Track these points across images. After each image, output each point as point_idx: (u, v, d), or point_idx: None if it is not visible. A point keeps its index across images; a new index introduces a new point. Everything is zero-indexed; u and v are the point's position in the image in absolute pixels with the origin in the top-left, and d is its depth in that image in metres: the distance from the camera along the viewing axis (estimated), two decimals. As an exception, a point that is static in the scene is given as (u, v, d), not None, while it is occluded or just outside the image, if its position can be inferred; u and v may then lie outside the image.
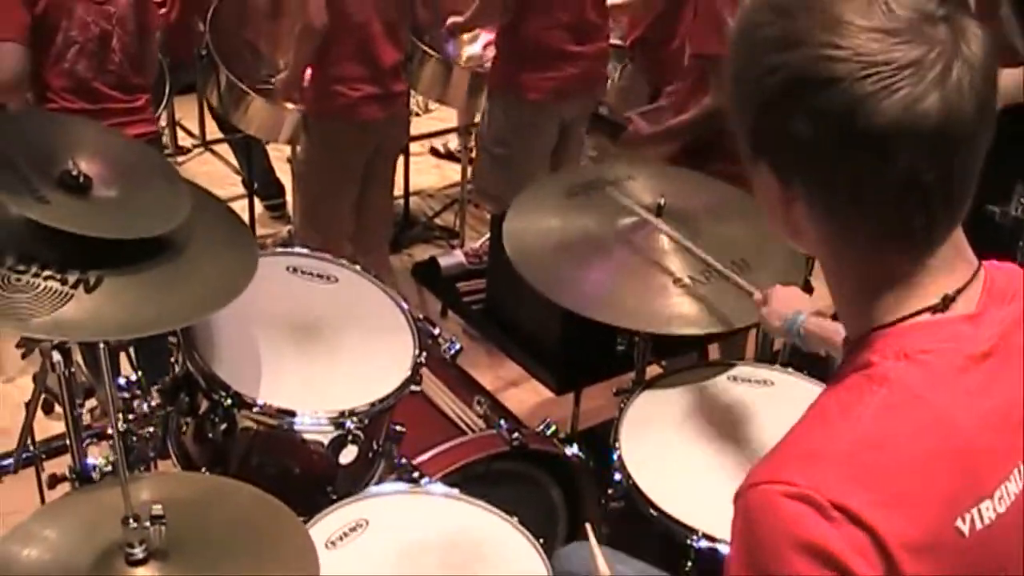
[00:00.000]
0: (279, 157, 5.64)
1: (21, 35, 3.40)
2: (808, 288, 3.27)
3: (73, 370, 2.38)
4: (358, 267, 2.87)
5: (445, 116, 6.69)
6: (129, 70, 3.63)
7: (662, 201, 2.78)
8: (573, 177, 3.22)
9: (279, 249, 2.94)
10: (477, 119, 5.70)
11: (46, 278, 2.13)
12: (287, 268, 2.80)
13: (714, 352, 3.81)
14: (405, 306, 2.79)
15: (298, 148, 4.46)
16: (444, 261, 4.87)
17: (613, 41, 4.65)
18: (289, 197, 5.54)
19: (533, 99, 4.28)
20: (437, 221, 5.87)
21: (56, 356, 2.30)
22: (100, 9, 3.51)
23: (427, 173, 6.46)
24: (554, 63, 4.27)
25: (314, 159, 4.24)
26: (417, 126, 6.32)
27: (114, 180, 2.28)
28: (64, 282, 2.13)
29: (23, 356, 2.75)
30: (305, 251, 2.86)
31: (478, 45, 5.33)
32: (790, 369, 2.83)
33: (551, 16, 4.22)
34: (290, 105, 4.43)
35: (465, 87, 5.00)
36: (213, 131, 6.15)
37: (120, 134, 2.69)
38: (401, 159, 5.19)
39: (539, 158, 4.43)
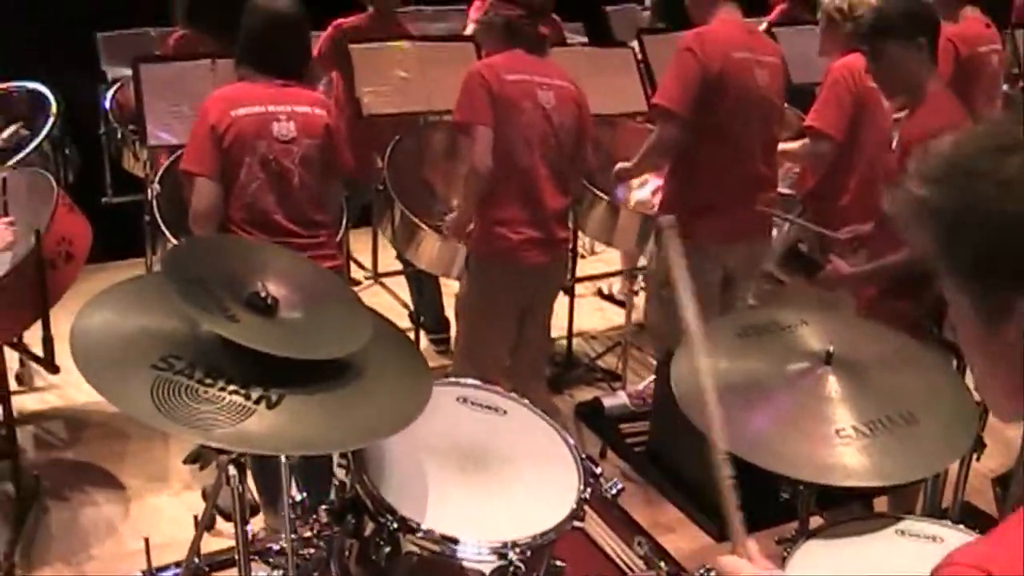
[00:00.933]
0: (449, 292, 5.77)
1: (214, 171, 3.66)
2: (982, 445, 3.17)
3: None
4: (527, 402, 2.90)
5: (610, 259, 6.77)
6: (310, 207, 3.79)
7: (831, 348, 2.76)
8: (745, 319, 3.21)
9: (451, 379, 2.99)
10: (640, 263, 5.75)
11: (231, 392, 2.22)
12: (457, 398, 2.85)
13: (881, 504, 3.70)
14: (571, 442, 2.80)
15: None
16: (608, 402, 4.89)
17: (782, 190, 4.67)
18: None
19: (699, 244, 4.29)
20: (599, 363, 5.89)
21: (231, 470, 2.37)
22: (283, 148, 3.70)
23: (591, 314, 6.51)
24: (721, 211, 4.29)
25: (473, 297, 4.33)
26: (582, 267, 6.41)
27: (299, 303, 2.39)
28: (247, 397, 2.22)
29: (200, 468, 2.85)
30: (476, 383, 2.91)
31: (647, 190, 5.40)
32: (961, 526, 2.73)
33: (721, 165, 4.26)
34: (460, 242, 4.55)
35: (633, 231, 5.07)
36: (385, 265, 6.35)
37: (306, 260, 2.80)
38: (565, 300, 5.25)
39: (704, 301, 4.43)
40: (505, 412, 2.85)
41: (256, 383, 2.24)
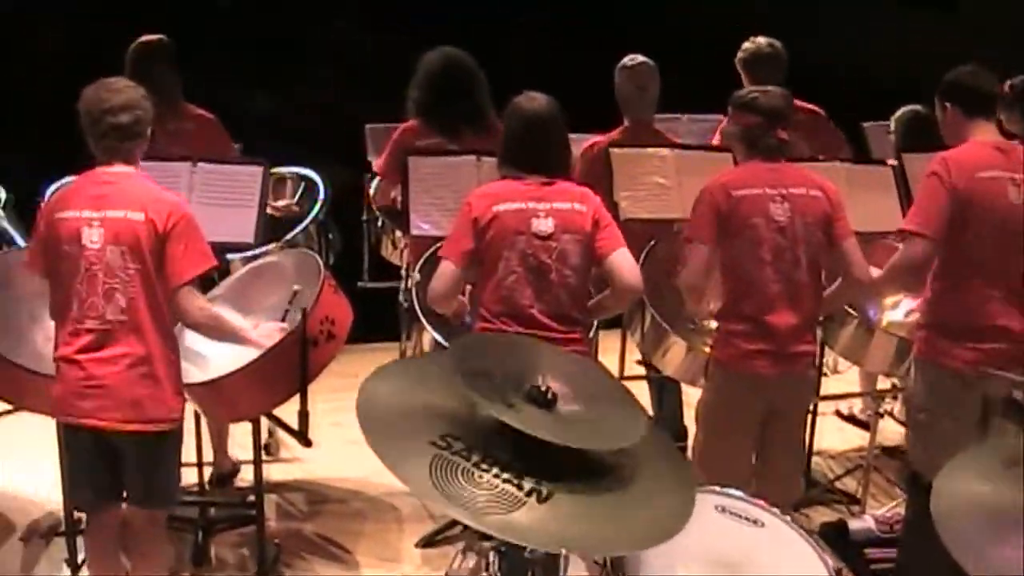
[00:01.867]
0: (689, 402, 5.72)
1: (460, 259, 3.83)
2: None
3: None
4: (788, 517, 2.85)
5: (851, 378, 6.59)
6: (567, 303, 3.86)
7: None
8: (1013, 449, 3.06)
9: (711, 487, 2.96)
10: (882, 384, 5.57)
11: (504, 480, 2.26)
12: (715, 507, 2.82)
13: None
14: (830, 562, 2.73)
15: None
16: (853, 525, 4.73)
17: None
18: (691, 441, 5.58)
19: (956, 370, 4.14)
20: (838, 484, 5.71)
21: (492, 556, 2.41)
22: (542, 244, 3.80)
23: (831, 433, 6.34)
24: (981, 336, 4.12)
25: (709, 403, 4.30)
26: (825, 385, 6.25)
27: (576, 399, 2.42)
28: (520, 488, 2.26)
29: (463, 551, 2.91)
30: (737, 493, 2.88)
31: (900, 311, 5.26)
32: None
33: (982, 289, 4.11)
34: (708, 350, 4.52)
35: (885, 352, 4.93)
36: (629, 368, 6.35)
37: (584, 359, 2.85)
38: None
39: (963, 428, 4.25)
40: (763, 524, 2.80)
41: (529, 475, 2.28)
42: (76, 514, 4.13)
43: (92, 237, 3.48)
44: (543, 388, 2.36)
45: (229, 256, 4.81)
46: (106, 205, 3.51)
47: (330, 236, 5.58)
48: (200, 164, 4.71)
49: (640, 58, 5.54)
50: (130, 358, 3.52)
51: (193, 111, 5.21)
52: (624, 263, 3.93)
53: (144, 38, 5.16)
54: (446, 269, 3.86)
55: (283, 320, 4.15)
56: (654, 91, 5.53)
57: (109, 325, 3.51)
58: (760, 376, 4.09)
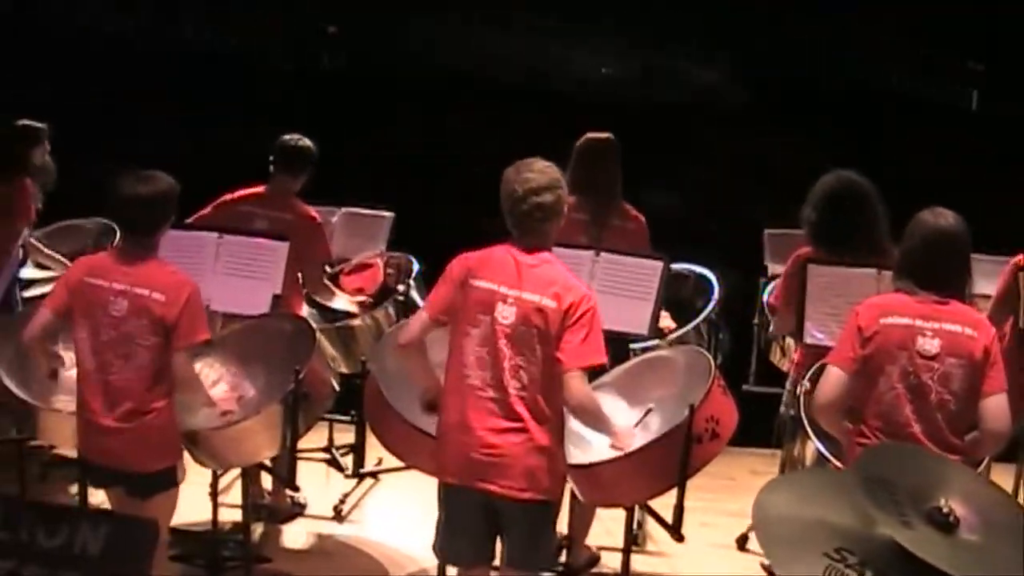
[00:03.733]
0: None
1: (847, 365, 3.73)
2: None
3: None
4: None
5: None
6: (946, 427, 3.69)
7: None
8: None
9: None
10: None
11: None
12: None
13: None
14: None
15: None
16: None
17: None
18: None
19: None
20: None
21: None
22: (925, 363, 3.66)
23: None
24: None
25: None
26: None
27: (979, 528, 2.31)
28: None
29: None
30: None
31: None
32: None
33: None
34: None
35: None
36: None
37: (992, 486, 2.71)
38: None
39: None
40: None
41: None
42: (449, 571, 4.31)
43: (504, 313, 3.67)
44: (944, 510, 2.26)
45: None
46: (521, 285, 3.69)
47: (720, 336, 5.60)
48: (603, 254, 4.87)
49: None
50: (529, 431, 3.67)
51: (631, 211, 5.37)
52: (998, 408, 3.71)
53: (595, 135, 5.40)
54: (832, 375, 3.80)
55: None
56: None
57: (511, 397, 3.66)
58: None
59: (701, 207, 7.90)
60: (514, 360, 3.67)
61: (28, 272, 5.81)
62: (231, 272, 4.84)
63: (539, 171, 3.75)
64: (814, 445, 4.38)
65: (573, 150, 5.30)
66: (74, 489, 4.99)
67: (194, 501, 4.88)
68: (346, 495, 5.62)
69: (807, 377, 4.63)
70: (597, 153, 5.33)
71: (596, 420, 3.85)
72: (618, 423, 4.03)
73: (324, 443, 5.94)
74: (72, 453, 4.32)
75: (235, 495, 5.04)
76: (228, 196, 5.45)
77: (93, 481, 4.28)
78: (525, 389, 3.67)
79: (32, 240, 5.68)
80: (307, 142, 5.49)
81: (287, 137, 5.47)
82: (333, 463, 5.94)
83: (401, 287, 5.61)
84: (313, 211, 5.44)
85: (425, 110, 8.27)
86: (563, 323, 3.64)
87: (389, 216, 6.20)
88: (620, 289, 4.81)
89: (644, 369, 4.63)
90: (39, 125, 5.79)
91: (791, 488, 2.41)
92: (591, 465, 4.03)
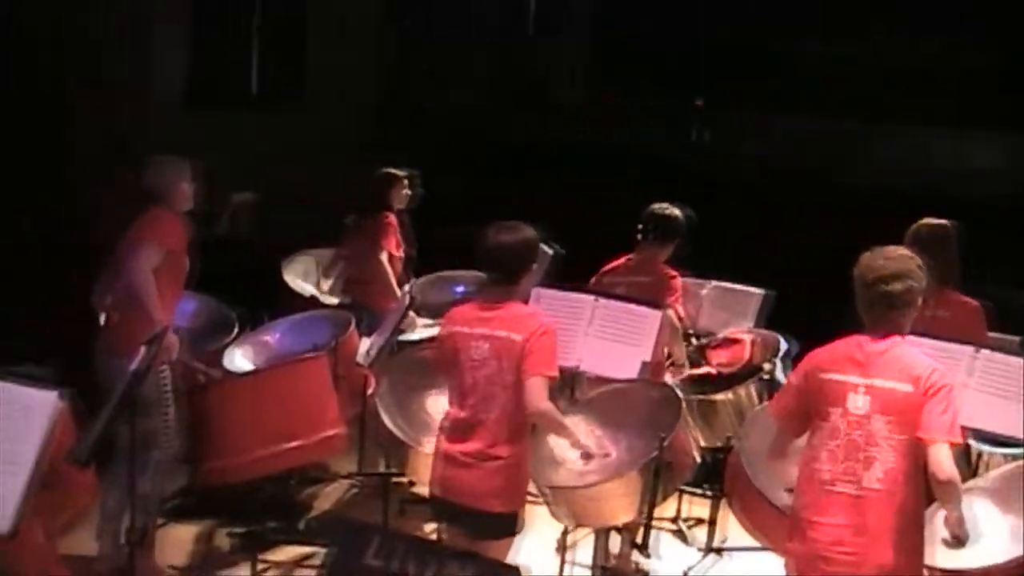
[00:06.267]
0: None
1: None
2: None
3: None
4: None
5: None
6: None
7: None
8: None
9: None
10: None
11: None
12: None
13: None
14: None
15: None
16: None
17: None
18: None
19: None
20: None
21: None
22: None
23: None
24: None
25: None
26: None
27: None
28: None
29: None
30: None
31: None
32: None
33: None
34: None
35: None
36: None
37: None
38: None
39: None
40: None
41: None
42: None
43: (857, 403, 3.55)
44: None
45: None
46: (877, 373, 3.57)
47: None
48: (982, 351, 4.61)
49: None
50: (886, 524, 3.51)
51: (958, 298, 5.12)
52: None
53: (935, 221, 5.21)
54: None
55: None
56: None
57: (864, 492, 3.52)
58: None
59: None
60: (867, 452, 3.52)
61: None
62: (604, 335, 4.95)
63: (892, 258, 3.63)
64: None
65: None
66: (428, 527, 5.20)
67: (540, 554, 4.99)
68: (690, 567, 5.55)
69: None
70: (940, 239, 5.05)
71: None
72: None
73: (672, 513, 5.90)
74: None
75: (581, 554, 5.10)
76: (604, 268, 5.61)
77: (440, 516, 4.40)
78: (880, 483, 3.51)
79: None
80: (676, 211, 5.54)
81: (656, 206, 5.55)
82: (679, 534, 5.89)
83: (767, 365, 5.53)
84: (673, 272, 5.49)
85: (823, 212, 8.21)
86: (923, 402, 3.47)
87: (759, 293, 6.16)
88: (995, 388, 4.53)
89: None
90: (401, 172, 6.82)
91: None
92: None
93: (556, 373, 4.09)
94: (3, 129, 6.98)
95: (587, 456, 4.34)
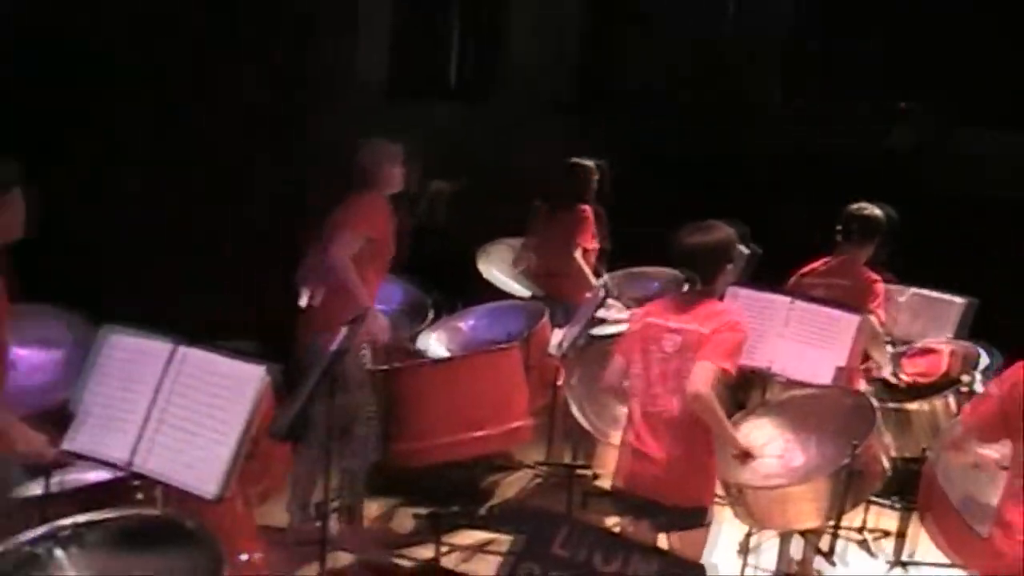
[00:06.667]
0: None
1: None
2: None
3: None
4: None
5: None
6: None
7: None
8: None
9: None
10: None
11: None
12: None
13: None
14: None
15: None
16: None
17: None
18: None
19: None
20: None
21: None
22: None
23: None
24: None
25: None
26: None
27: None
28: None
29: None
30: None
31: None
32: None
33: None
34: None
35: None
36: None
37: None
38: None
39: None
40: None
41: None
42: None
43: None
44: None
45: None
46: None
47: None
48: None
49: None
50: None
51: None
52: None
53: None
54: None
55: None
56: None
57: None
58: None
59: None
60: None
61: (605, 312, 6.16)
62: (799, 338, 4.90)
63: None
64: None
65: None
66: (609, 521, 5.21)
67: (723, 556, 4.93)
68: (871, 580, 5.44)
69: None
70: None
71: None
72: None
73: (859, 524, 5.77)
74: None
75: (764, 558, 5.04)
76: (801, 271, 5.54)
77: (625, 509, 4.38)
78: None
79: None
80: (876, 211, 5.42)
81: (855, 206, 5.45)
82: (863, 544, 5.77)
83: (966, 378, 5.35)
84: (876, 276, 5.38)
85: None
86: None
87: (960, 302, 5.97)
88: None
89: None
90: (589, 163, 6.81)
91: None
92: None
93: (731, 368, 4.04)
94: (233, 117, 7.21)
95: (748, 456, 4.30)
